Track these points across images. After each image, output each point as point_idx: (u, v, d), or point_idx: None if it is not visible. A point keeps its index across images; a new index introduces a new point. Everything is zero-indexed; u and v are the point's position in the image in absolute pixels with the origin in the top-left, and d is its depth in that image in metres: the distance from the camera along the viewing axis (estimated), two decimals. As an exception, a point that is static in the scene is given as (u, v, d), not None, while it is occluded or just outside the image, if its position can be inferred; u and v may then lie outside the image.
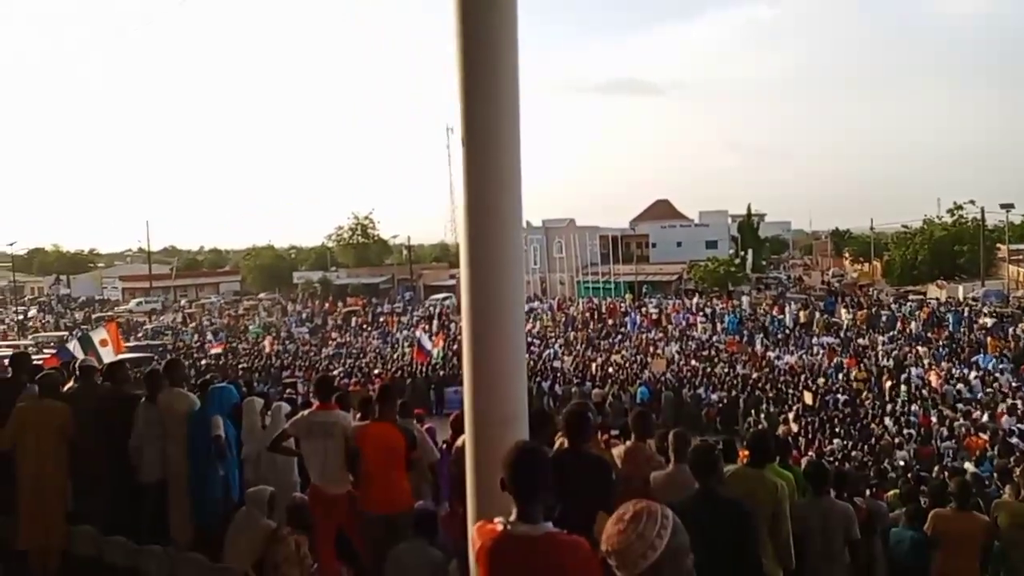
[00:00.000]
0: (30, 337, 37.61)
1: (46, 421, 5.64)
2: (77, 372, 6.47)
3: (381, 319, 40.85)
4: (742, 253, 50.42)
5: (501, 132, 3.35)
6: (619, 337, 31.82)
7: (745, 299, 37.93)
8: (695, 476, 3.64)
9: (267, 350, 32.34)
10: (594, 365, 25.78)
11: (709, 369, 24.22)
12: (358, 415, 5.75)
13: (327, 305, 46.64)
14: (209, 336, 38.44)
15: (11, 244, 62.83)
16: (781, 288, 46.40)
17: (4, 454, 5.59)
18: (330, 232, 67.62)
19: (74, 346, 16.27)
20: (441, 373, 25.33)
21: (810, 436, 17.40)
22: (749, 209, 56.85)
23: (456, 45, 3.31)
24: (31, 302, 56.48)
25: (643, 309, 36.56)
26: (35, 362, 8.32)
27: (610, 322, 34.66)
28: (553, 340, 31.28)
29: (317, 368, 27.28)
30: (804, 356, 25.99)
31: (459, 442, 5.00)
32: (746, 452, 4.91)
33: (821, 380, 22.19)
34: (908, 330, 28.37)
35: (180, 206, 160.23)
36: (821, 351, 26.19)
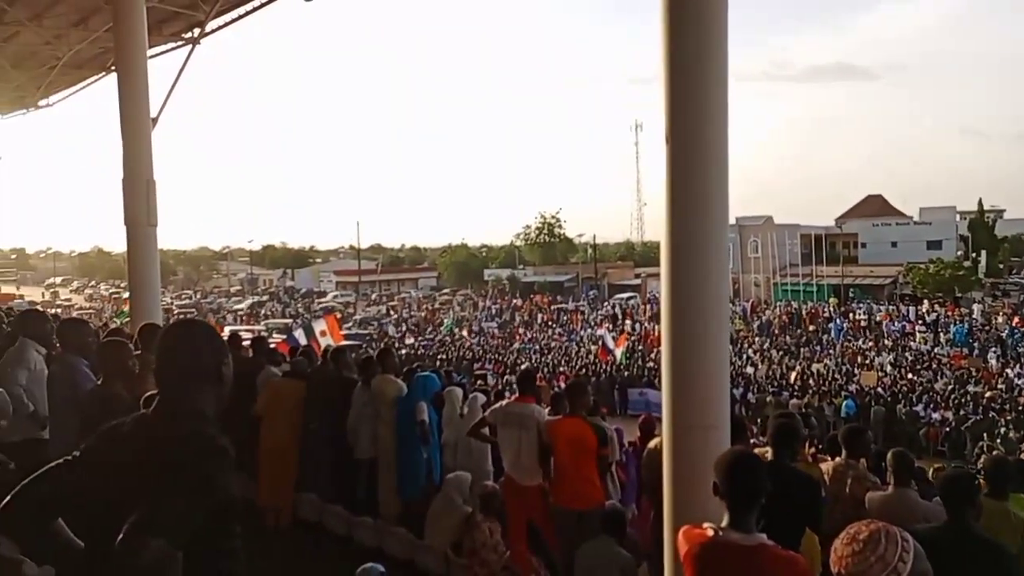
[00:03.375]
0: (262, 323, 42.99)
1: (286, 397, 6.45)
2: (326, 356, 7.33)
3: (565, 317, 41.43)
4: (973, 254, 44.33)
5: (708, 129, 3.24)
6: (821, 345, 29.49)
7: (976, 307, 33.43)
8: (947, 507, 3.21)
9: (467, 343, 34.10)
10: (792, 373, 24.14)
11: (929, 384, 21.63)
12: (547, 409, 5.88)
13: (515, 301, 48.23)
14: (392, 329, 41.28)
15: (249, 241, 72.91)
16: None
17: (252, 424, 6.45)
18: (518, 231, 70.04)
19: (299, 334, 18.42)
20: (625, 373, 25.13)
21: (1061, 469, 14.88)
22: (980, 204, 49.84)
23: (662, 37, 3.24)
24: (263, 292, 64.59)
25: (850, 315, 33.56)
26: (270, 345, 9.50)
27: (811, 328, 32.25)
28: (746, 345, 29.74)
29: (506, 362, 28.30)
30: (1055, 375, 22.33)
31: (651, 444, 4.92)
32: (983, 481, 4.31)
33: (1077, 405, 18.93)
34: None
35: (386, 206, 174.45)
36: (1078, 371, 22.34)
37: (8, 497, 1.78)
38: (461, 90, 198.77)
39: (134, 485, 1.68)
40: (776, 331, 32.37)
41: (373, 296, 58.34)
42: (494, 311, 46.58)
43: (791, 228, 47.46)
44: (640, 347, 29.44)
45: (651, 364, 25.99)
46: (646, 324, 34.83)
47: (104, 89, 17.44)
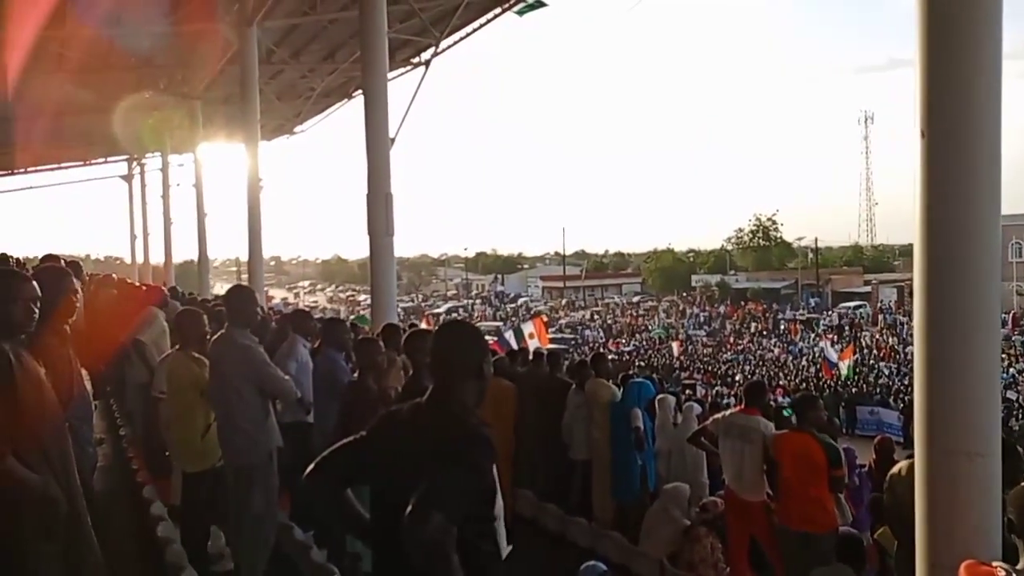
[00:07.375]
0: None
1: (495, 397, 6.76)
2: (530, 357, 7.64)
3: (782, 326, 38.81)
4: None
5: (975, 120, 2.86)
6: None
7: None
8: None
9: (676, 352, 33.19)
10: (1067, 398, 20.45)
11: None
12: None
13: (726, 309, 46.16)
14: (589, 333, 41.14)
15: (464, 249, 77.89)
16: None
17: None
18: (730, 235, 66.88)
19: (509, 336, 19.28)
20: (853, 390, 22.96)
21: None
22: None
23: (918, 13, 2.90)
24: (476, 296, 68.46)
25: None
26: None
27: (1094, 345, 27.05)
28: (1006, 363, 25.73)
29: (716, 372, 27.21)
30: None
31: (897, 469, 4.47)
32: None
33: None
34: None
35: (592, 212, 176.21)
36: None
37: (310, 467, 2.12)
38: (668, 89, 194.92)
39: (412, 465, 1.92)
40: (1046, 348, 27.61)
41: (563, 302, 59.00)
42: (702, 319, 44.96)
43: (1067, 226, 40.16)
44: (871, 361, 26.71)
45: (883, 381, 23.49)
46: (877, 336, 31.52)
47: (343, 114, 19.91)
